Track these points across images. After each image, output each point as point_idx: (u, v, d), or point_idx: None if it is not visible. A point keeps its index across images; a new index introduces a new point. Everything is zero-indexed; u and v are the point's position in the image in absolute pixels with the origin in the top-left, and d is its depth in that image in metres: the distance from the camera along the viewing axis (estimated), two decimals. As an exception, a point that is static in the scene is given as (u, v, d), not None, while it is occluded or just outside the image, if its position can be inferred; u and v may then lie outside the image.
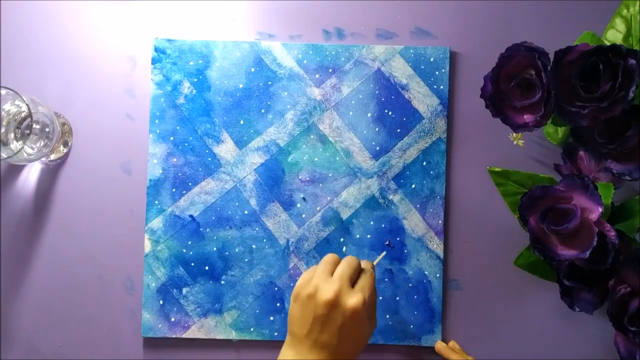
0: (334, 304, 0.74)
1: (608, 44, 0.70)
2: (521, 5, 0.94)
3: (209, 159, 0.93)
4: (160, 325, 0.91)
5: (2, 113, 0.88)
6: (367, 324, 0.77)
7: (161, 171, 0.92)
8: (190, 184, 0.92)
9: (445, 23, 0.94)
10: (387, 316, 0.91)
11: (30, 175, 0.94)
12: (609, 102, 0.66)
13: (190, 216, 0.92)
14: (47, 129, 0.88)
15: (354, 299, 0.74)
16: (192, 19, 0.94)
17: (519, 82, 0.72)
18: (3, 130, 0.88)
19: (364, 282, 0.78)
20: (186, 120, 0.93)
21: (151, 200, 0.92)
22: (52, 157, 0.93)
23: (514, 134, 0.81)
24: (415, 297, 0.92)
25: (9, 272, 0.93)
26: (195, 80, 0.93)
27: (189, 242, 0.92)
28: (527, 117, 0.72)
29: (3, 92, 0.85)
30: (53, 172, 0.94)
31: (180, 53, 0.93)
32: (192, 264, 0.92)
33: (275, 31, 0.95)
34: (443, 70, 0.93)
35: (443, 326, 0.92)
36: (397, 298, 0.92)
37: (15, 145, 0.89)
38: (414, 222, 0.92)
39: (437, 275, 0.92)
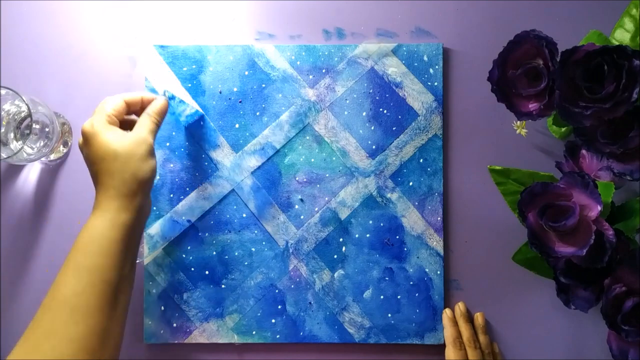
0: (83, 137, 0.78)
1: (616, 43, 0.70)
2: (522, 5, 0.93)
3: (206, 164, 0.92)
4: (162, 332, 0.91)
5: (2, 113, 0.88)
6: (104, 142, 0.76)
7: (158, 177, 0.92)
8: (187, 189, 0.92)
9: (445, 23, 0.94)
10: (389, 315, 0.92)
11: (30, 175, 0.94)
12: (613, 103, 0.66)
13: (189, 221, 0.92)
14: (47, 129, 0.88)
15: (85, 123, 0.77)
16: (188, 20, 0.94)
17: (526, 71, 0.72)
18: (3, 130, 0.88)
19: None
20: (182, 126, 0.92)
21: (149, 206, 0.92)
22: (52, 157, 0.93)
23: (518, 123, 0.81)
24: (417, 295, 0.92)
25: (9, 272, 0.93)
26: (190, 85, 0.92)
27: (188, 247, 0.92)
28: (532, 106, 0.72)
29: (3, 92, 0.84)
30: (53, 172, 0.94)
31: (174, 59, 0.92)
32: (192, 269, 0.92)
33: (275, 31, 0.94)
34: (437, 67, 0.92)
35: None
36: (399, 297, 0.92)
37: (15, 145, 0.89)
38: (412, 220, 0.92)
39: (438, 272, 0.92)
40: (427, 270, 0.92)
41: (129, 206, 0.75)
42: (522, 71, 0.72)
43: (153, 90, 0.92)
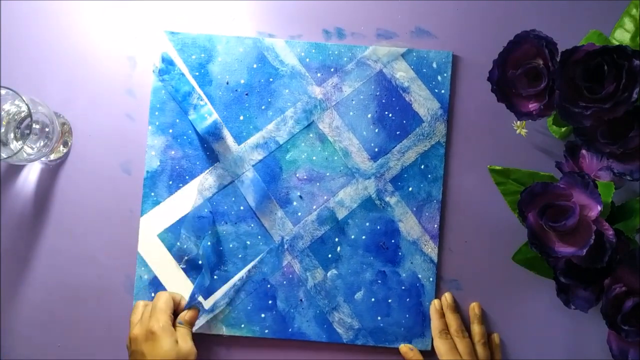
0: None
1: (616, 43, 0.70)
2: (522, 5, 0.94)
3: (207, 153, 0.92)
4: (150, 318, 0.91)
5: (2, 113, 0.88)
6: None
7: (159, 163, 0.92)
8: (187, 177, 0.92)
9: (445, 23, 0.94)
10: (379, 318, 0.91)
11: (30, 175, 0.94)
12: (613, 103, 0.66)
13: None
14: (47, 129, 0.88)
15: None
16: (194, 16, 0.94)
17: (526, 71, 0.72)
18: (3, 130, 0.88)
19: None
20: (186, 114, 0.93)
21: (147, 191, 0.92)
22: (52, 157, 0.93)
23: (518, 123, 0.81)
24: (408, 300, 0.91)
25: (9, 272, 0.93)
26: (197, 74, 0.93)
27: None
28: (532, 106, 0.72)
29: (3, 92, 0.84)
30: (53, 172, 0.94)
31: (183, 46, 0.93)
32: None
33: (275, 31, 0.95)
34: (445, 75, 0.93)
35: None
36: (390, 300, 0.91)
37: (15, 145, 0.89)
38: (409, 225, 0.92)
39: (430, 279, 0.91)
40: (419, 276, 0.92)
41: None
42: (522, 71, 0.72)
43: (161, 71, 0.93)
